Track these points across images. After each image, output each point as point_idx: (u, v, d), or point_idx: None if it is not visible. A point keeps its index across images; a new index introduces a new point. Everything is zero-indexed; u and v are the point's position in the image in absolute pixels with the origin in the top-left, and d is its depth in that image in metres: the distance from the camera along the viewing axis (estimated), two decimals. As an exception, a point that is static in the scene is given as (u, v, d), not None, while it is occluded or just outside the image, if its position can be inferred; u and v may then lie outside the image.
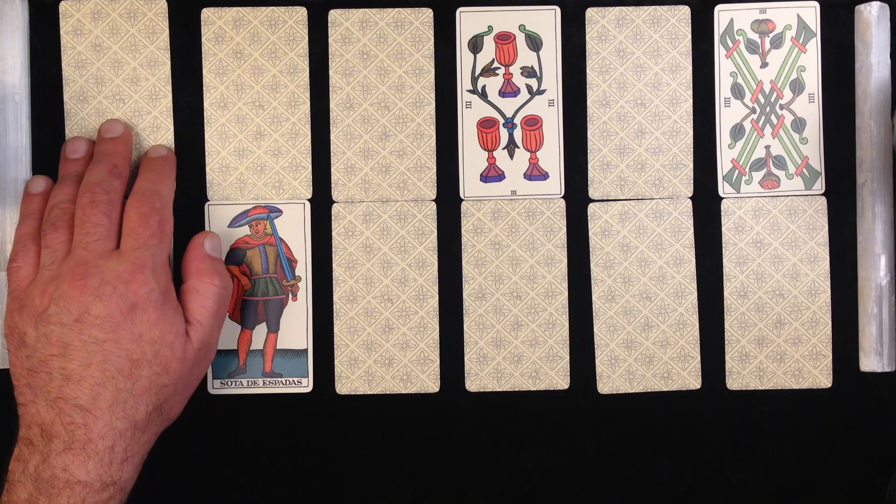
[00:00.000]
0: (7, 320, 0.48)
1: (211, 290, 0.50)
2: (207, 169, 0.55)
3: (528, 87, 0.55)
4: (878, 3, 0.55)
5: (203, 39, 0.55)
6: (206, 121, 0.55)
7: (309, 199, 0.55)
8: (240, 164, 0.55)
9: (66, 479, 0.44)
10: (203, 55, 0.55)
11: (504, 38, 0.55)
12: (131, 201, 0.50)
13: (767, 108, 0.56)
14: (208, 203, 0.55)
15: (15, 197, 0.54)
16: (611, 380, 0.56)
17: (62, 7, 0.55)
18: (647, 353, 0.56)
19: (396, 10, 0.55)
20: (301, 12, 0.55)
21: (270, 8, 0.55)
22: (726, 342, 0.56)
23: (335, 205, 0.55)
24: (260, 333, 0.55)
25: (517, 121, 0.55)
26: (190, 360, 0.49)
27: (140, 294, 0.47)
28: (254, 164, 0.55)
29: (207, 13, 0.55)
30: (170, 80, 0.55)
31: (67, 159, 0.53)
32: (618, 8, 0.55)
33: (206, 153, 0.55)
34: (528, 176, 0.55)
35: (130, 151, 0.53)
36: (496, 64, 0.55)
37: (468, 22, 0.55)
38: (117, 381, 0.46)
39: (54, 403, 0.45)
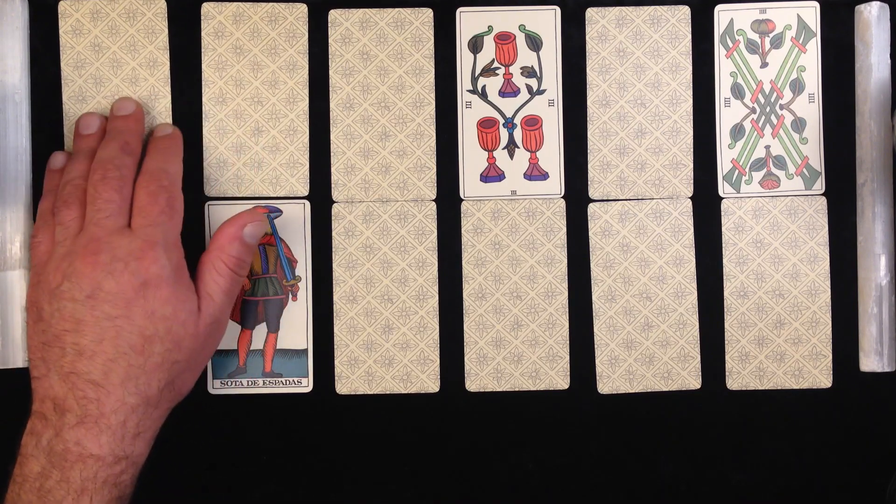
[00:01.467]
0: (28, 294, 0.50)
1: (227, 269, 0.50)
2: (205, 164, 0.55)
3: (528, 87, 0.55)
4: (878, 3, 0.55)
5: (203, 34, 0.55)
6: (204, 116, 0.55)
7: (306, 197, 0.55)
8: (237, 159, 0.55)
9: (79, 453, 0.45)
10: (202, 50, 0.55)
11: (504, 38, 0.55)
12: (140, 180, 0.50)
13: (767, 108, 0.56)
14: (208, 203, 0.55)
15: (15, 197, 0.54)
16: (611, 380, 0.56)
17: (61, 7, 0.55)
18: (647, 353, 0.56)
19: (396, 10, 0.55)
20: (301, 9, 0.55)
21: (271, 4, 0.55)
22: (726, 342, 0.56)
23: (335, 205, 0.55)
24: (260, 333, 0.55)
25: (517, 121, 0.55)
26: (202, 337, 0.49)
27: (152, 271, 0.47)
28: (251, 160, 0.55)
29: (208, 7, 0.55)
30: (169, 81, 0.55)
31: (81, 135, 0.53)
32: (618, 8, 0.55)
33: (204, 148, 0.55)
34: (528, 176, 0.55)
35: (142, 129, 0.53)
36: (496, 64, 0.55)
37: (468, 22, 0.55)
38: (129, 356, 0.46)
39: (67, 378, 0.46)
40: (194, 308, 0.49)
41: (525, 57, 0.55)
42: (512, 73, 0.55)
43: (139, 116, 0.53)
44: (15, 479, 0.46)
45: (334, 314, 0.55)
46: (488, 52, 0.55)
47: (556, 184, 0.56)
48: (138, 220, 0.49)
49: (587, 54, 0.56)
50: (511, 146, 0.55)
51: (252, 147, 0.55)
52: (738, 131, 0.56)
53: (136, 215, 0.49)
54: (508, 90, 0.55)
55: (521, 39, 0.55)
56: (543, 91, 0.55)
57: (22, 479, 0.45)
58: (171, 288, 0.47)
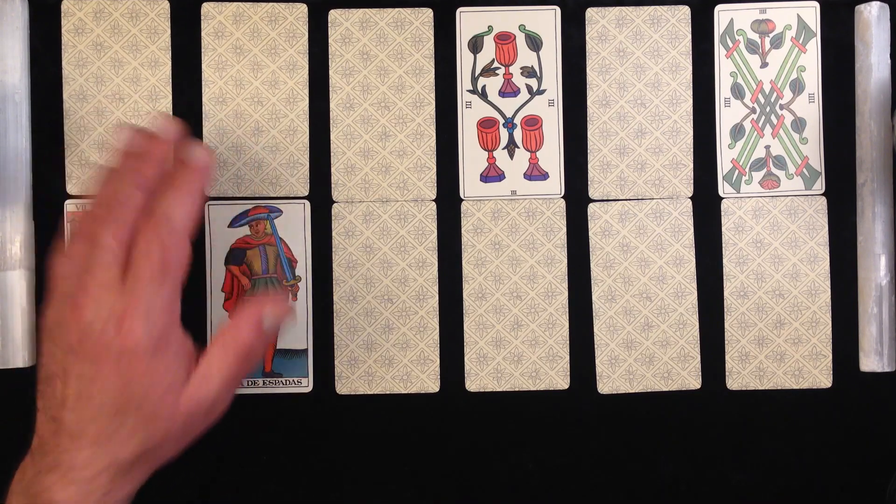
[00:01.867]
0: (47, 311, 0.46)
1: (239, 350, 0.47)
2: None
3: (528, 87, 0.55)
4: (878, 3, 0.55)
5: (203, 34, 0.55)
6: (204, 116, 0.55)
7: (306, 197, 0.55)
8: (238, 159, 0.55)
9: (49, 499, 0.43)
10: (202, 50, 0.55)
11: (504, 38, 0.55)
12: (141, 224, 0.45)
13: (767, 108, 0.56)
14: (209, 203, 0.55)
15: (15, 197, 0.54)
16: (611, 380, 0.56)
17: (64, 6, 0.55)
18: (647, 353, 0.56)
19: (396, 10, 0.55)
20: (301, 9, 0.55)
21: (271, 4, 0.55)
22: (726, 342, 0.56)
23: (335, 205, 0.55)
24: (260, 333, 0.55)
25: (517, 121, 0.55)
26: (181, 416, 0.45)
27: (128, 340, 0.43)
28: (251, 160, 0.55)
29: (208, 7, 0.55)
30: (170, 81, 0.55)
31: (129, 157, 0.47)
32: (618, 8, 0.55)
33: (204, 149, 0.55)
34: (528, 176, 0.56)
35: (168, 158, 0.47)
36: (496, 64, 0.55)
37: (468, 22, 0.55)
38: (103, 420, 0.44)
39: (51, 423, 0.44)
40: (177, 384, 0.45)
41: (525, 57, 0.55)
42: (512, 73, 0.55)
43: (169, 143, 0.48)
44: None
45: (334, 314, 0.55)
46: (488, 52, 0.55)
47: (556, 184, 0.56)
48: (128, 277, 0.44)
49: (587, 54, 0.56)
50: (511, 146, 0.55)
51: (252, 147, 0.55)
52: (738, 131, 0.56)
53: (128, 268, 0.44)
54: (508, 90, 0.55)
55: (521, 39, 0.55)
56: (543, 91, 0.55)
57: None
58: (147, 361, 0.44)
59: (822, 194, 0.56)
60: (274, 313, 0.48)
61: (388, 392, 0.55)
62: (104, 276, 0.44)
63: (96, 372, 0.43)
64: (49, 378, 0.45)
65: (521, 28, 0.55)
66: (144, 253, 0.44)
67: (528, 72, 0.55)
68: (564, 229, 0.56)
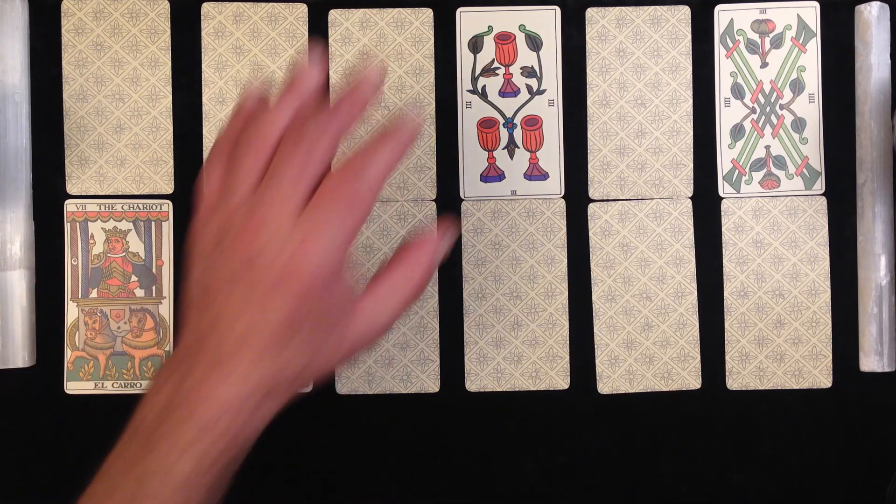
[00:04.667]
0: (192, 230, 0.47)
1: (406, 287, 0.47)
2: (204, 163, 0.55)
3: (528, 87, 0.55)
4: (878, 3, 0.55)
5: (203, 34, 0.55)
6: (204, 116, 0.55)
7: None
8: (240, 162, 0.55)
9: (206, 395, 0.43)
10: (202, 50, 0.55)
11: (504, 38, 0.55)
12: (334, 170, 0.45)
13: (767, 108, 0.56)
14: (208, 203, 0.55)
15: (15, 197, 0.54)
16: (611, 380, 0.56)
17: (64, 6, 0.55)
18: (647, 353, 0.56)
19: (396, 10, 0.55)
20: (301, 9, 0.55)
21: (271, 4, 0.55)
22: (726, 342, 0.56)
23: (335, 204, 0.55)
24: (260, 333, 0.55)
25: (517, 121, 0.55)
26: (345, 348, 0.46)
27: (303, 268, 0.44)
28: (254, 162, 0.55)
29: (208, 7, 0.55)
30: (170, 81, 0.55)
31: (295, 85, 0.46)
32: (618, 8, 0.55)
33: (204, 148, 0.55)
34: (528, 176, 0.56)
35: (362, 112, 0.47)
36: (496, 64, 0.55)
37: (468, 22, 0.55)
38: (267, 334, 0.44)
39: (202, 339, 0.45)
40: (346, 314, 0.46)
41: (525, 57, 0.55)
42: (512, 73, 0.55)
43: (366, 100, 0.46)
44: (144, 403, 0.45)
45: (334, 314, 0.55)
46: (488, 52, 0.55)
47: (556, 184, 0.56)
48: (312, 210, 0.44)
49: (587, 54, 0.56)
50: (511, 146, 0.55)
51: (252, 147, 0.55)
52: (738, 131, 0.56)
53: (312, 202, 0.45)
54: (508, 90, 0.55)
55: (521, 39, 0.55)
56: (543, 91, 0.55)
57: (149, 409, 0.44)
58: (321, 289, 0.44)
59: (822, 194, 0.56)
60: (444, 243, 0.47)
61: (388, 392, 0.55)
62: (284, 204, 0.44)
63: (269, 289, 0.44)
64: (205, 291, 0.45)
65: (521, 28, 0.55)
66: (334, 195, 0.44)
67: (528, 72, 0.55)
68: (564, 229, 0.56)
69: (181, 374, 0.44)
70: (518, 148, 0.55)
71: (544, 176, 0.56)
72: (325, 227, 0.44)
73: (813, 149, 0.56)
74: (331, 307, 0.45)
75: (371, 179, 0.45)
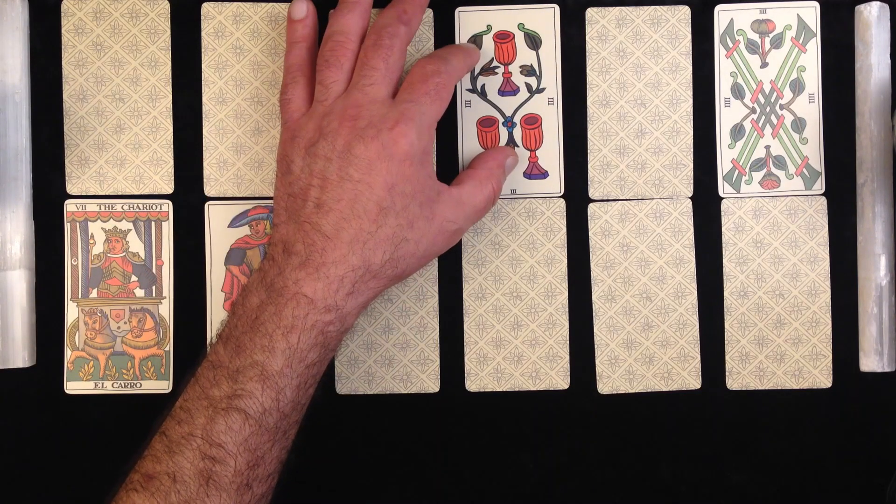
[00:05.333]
0: (280, 148, 0.51)
1: (480, 195, 0.52)
2: (205, 164, 0.55)
3: (528, 86, 0.55)
4: (878, 3, 0.55)
5: (203, 34, 0.55)
6: (204, 116, 0.55)
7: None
8: (237, 159, 0.55)
9: (295, 292, 0.47)
10: (202, 50, 0.55)
11: (503, 37, 0.55)
12: (421, 59, 0.51)
13: (767, 108, 0.56)
14: (209, 203, 0.55)
15: (15, 197, 0.54)
16: (611, 380, 0.56)
17: (64, 6, 0.55)
18: (647, 353, 0.56)
19: (396, 9, 0.55)
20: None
21: (271, 4, 0.55)
22: (726, 342, 0.56)
23: (335, 204, 0.55)
24: (259, 333, 0.55)
25: (517, 119, 0.55)
26: (435, 227, 0.50)
27: (400, 145, 0.48)
28: (251, 160, 0.55)
29: (208, 7, 0.55)
30: (170, 81, 0.55)
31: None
32: (618, 8, 0.55)
33: (204, 148, 0.55)
34: (528, 175, 0.56)
35: (425, 3, 0.53)
36: (495, 63, 0.56)
37: (467, 21, 0.55)
38: (362, 221, 0.48)
39: (301, 226, 0.48)
40: (433, 197, 0.50)
41: (524, 55, 0.55)
42: (511, 72, 0.55)
43: None
44: (235, 311, 0.48)
45: (334, 314, 0.55)
46: (487, 51, 0.55)
47: (555, 183, 0.56)
48: (403, 94, 0.50)
49: (587, 54, 0.56)
50: (510, 145, 0.55)
51: (252, 147, 0.55)
52: (738, 131, 0.56)
53: (402, 89, 0.50)
54: (508, 89, 0.55)
55: (520, 38, 0.55)
56: (543, 89, 0.55)
57: (242, 312, 0.48)
58: (414, 168, 0.48)
59: (822, 194, 0.56)
60: (512, 158, 0.54)
61: (388, 392, 0.55)
62: (374, 92, 0.49)
63: (364, 174, 0.48)
64: (298, 192, 0.49)
65: (520, 27, 0.55)
66: (423, 78, 0.50)
67: (528, 70, 0.55)
68: (564, 229, 0.56)
69: (271, 279, 0.47)
70: (518, 147, 0.55)
71: (544, 175, 0.56)
72: (413, 113, 0.48)
73: (813, 149, 0.56)
74: (419, 187, 0.49)
75: (449, 73, 0.50)
